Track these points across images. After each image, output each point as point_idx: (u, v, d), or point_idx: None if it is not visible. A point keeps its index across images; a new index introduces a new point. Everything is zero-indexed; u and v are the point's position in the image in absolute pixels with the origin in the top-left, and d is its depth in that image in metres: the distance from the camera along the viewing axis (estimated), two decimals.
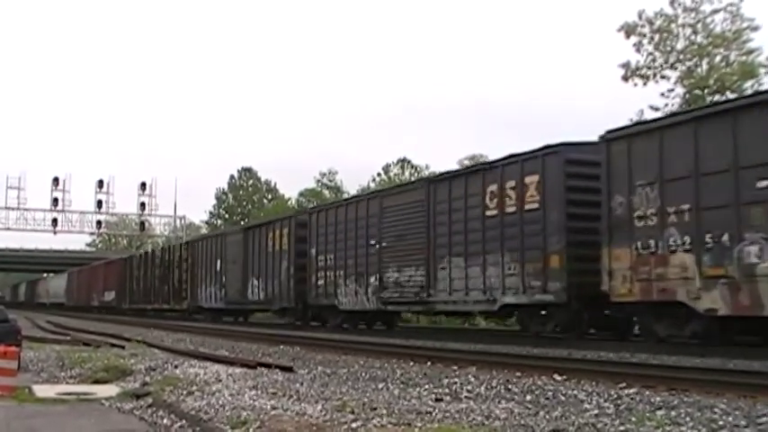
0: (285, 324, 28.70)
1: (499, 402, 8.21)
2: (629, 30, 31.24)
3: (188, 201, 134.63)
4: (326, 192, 66.76)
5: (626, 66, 31.52)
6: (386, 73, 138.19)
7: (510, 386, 9.54)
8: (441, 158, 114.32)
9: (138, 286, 47.84)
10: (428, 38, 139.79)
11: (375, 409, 7.62)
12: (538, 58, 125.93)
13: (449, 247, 19.61)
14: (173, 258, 41.86)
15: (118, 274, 52.57)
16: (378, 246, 22.59)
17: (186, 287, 38.97)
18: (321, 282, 25.68)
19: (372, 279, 22.84)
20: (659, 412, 7.15)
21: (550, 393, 8.80)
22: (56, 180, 60.53)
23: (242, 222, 61.28)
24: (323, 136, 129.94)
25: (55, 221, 61.71)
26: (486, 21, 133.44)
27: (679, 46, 30.87)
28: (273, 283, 28.84)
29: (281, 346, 18.16)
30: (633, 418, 6.80)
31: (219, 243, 35.27)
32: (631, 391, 8.75)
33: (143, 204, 63.21)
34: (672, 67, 30.95)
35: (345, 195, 50.39)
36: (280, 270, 28.39)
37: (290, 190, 77.12)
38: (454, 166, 29.21)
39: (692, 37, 30.66)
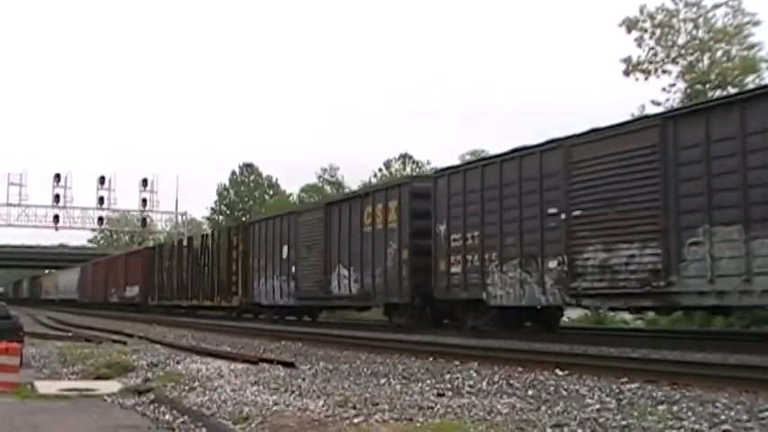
0: (391, 325, 22.21)
1: (501, 397, 8.21)
2: (630, 24, 31.17)
3: (189, 197, 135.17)
4: (328, 188, 66.85)
5: (627, 60, 31.48)
6: (386, 70, 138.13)
7: (512, 381, 9.55)
8: (440, 155, 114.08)
9: (170, 280, 41.74)
10: (427, 34, 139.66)
11: (377, 404, 7.63)
12: (537, 53, 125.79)
13: (707, 211, 13.26)
14: (218, 246, 35.53)
15: (143, 266, 46.41)
16: (564, 216, 16.25)
17: (237, 280, 32.49)
18: (457, 269, 19.10)
19: (552, 263, 16.52)
20: (661, 407, 7.15)
21: (552, 388, 8.80)
22: (57, 176, 60.65)
23: (243, 218, 61.13)
24: (324, 132, 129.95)
25: (56, 218, 61.80)
26: (485, 17, 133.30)
27: (680, 41, 30.81)
28: (375, 273, 22.11)
29: (283, 342, 18.19)
30: (635, 413, 6.80)
31: (287, 225, 28.11)
32: (633, 385, 8.75)
33: (144, 200, 63.34)
34: (673, 61, 30.90)
35: (347, 190, 49.34)
36: (384, 255, 21.70)
37: (291, 186, 77.27)
38: (456, 162, 28.51)
39: (694, 32, 30.59)
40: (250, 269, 31.02)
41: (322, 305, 27.85)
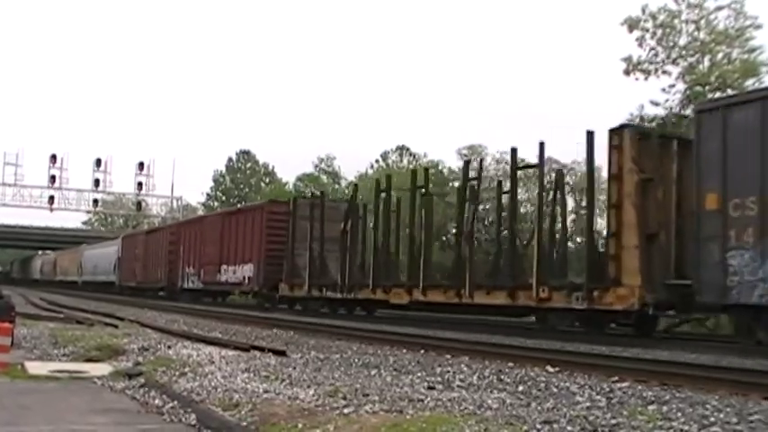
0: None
1: (491, 392, 8.21)
2: (632, 24, 31.14)
3: (185, 182, 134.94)
4: (324, 177, 66.81)
5: (628, 60, 31.47)
6: (384, 60, 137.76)
7: (502, 376, 9.54)
8: (438, 148, 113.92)
9: (349, 255, 25.43)
10: (428, 27, 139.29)
11: (367, 395, 7.61)
12: (538, 49, 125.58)
13: None
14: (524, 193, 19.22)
15: (264, 233, 30.48)
16: None
17: (619, 253, 15.66)
18: None
19: None
20: (651, 407, 7.15)
21: (543, 385, 8.80)
22: (53, 157, 60.46)
23: (239, 205, 60.76)
24: (321, 122, 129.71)
25: (51, 199, 61.63)
26: (486, 12, 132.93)
27: (681, 42, 30.79)
28: None
29: (275, 330, 18.16)
30: (625, 412, 6.79)
31: None
32: (624, 384, 8.75)
33: (140, 184, 63.25)
34: (674, 62, 30.88)
35: (344, 182, 49.02)
36: None
37: (288, 175, 77.18)
38: (453, 156, 28.21)
39: (695, 33, 30.59)
40: (711, 225, 13.93)
41: None
